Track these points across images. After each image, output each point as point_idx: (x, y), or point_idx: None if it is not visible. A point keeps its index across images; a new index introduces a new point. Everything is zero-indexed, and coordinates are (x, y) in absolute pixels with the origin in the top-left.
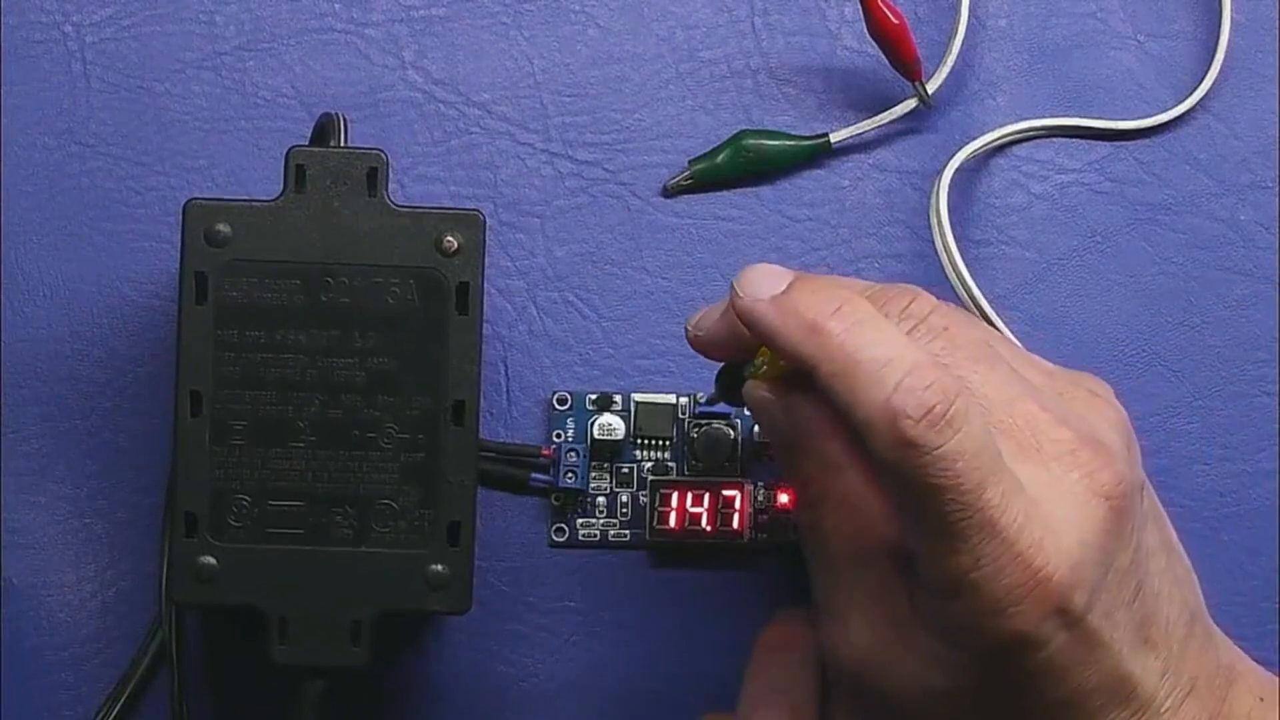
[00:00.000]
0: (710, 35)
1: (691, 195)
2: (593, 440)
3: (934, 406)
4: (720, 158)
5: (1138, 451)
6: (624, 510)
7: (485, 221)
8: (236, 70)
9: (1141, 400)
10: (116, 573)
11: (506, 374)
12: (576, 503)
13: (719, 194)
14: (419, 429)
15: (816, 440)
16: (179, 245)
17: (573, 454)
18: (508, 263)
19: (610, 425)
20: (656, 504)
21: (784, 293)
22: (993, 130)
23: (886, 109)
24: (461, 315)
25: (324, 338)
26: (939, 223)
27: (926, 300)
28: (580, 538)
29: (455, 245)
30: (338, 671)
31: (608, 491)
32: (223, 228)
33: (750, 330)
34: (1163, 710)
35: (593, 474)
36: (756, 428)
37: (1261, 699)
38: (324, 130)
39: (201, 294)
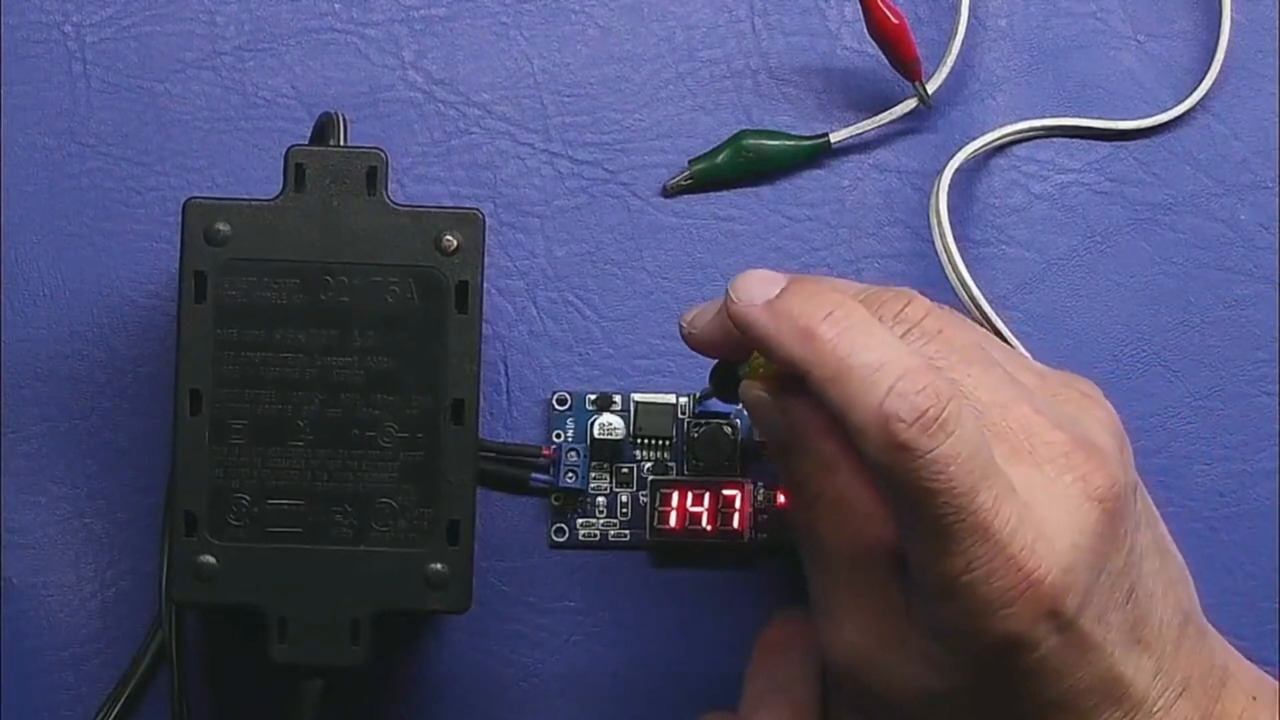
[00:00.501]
0: (710, 35)
1: (691, 195)
2: (593, 440)
3: (926, 410)
4: (720, 158)
5: (1130, 453)
6: (624, 510)
7: (485, 220)
8: (236, 70)
9: (1141, 400)
10: (116, 573)
11: (506, 374)
12: (576, 503)
13: (719, 194)
14: (418, 428)
15: (811, 441)
16: (179, 245)
17: (573, 454)
18: (508, 262)
19: (610, 425)
20: (657, 504)
21: (777, 298)
22: (993, 130)
23: (886, 109)
24: (461, 314)
25: (323, 337)
26: (939, 223)
27: (921, 304)
28: (580, 538)
29: (455, 244)
30: (337, 671)
31: (608, 491)
32: (222, 227)
33: (744, 335)
34: (1155, 710)
35: (593, 474)
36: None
37: (1255, 698)
38: (324, 129)
39: (201, 293)
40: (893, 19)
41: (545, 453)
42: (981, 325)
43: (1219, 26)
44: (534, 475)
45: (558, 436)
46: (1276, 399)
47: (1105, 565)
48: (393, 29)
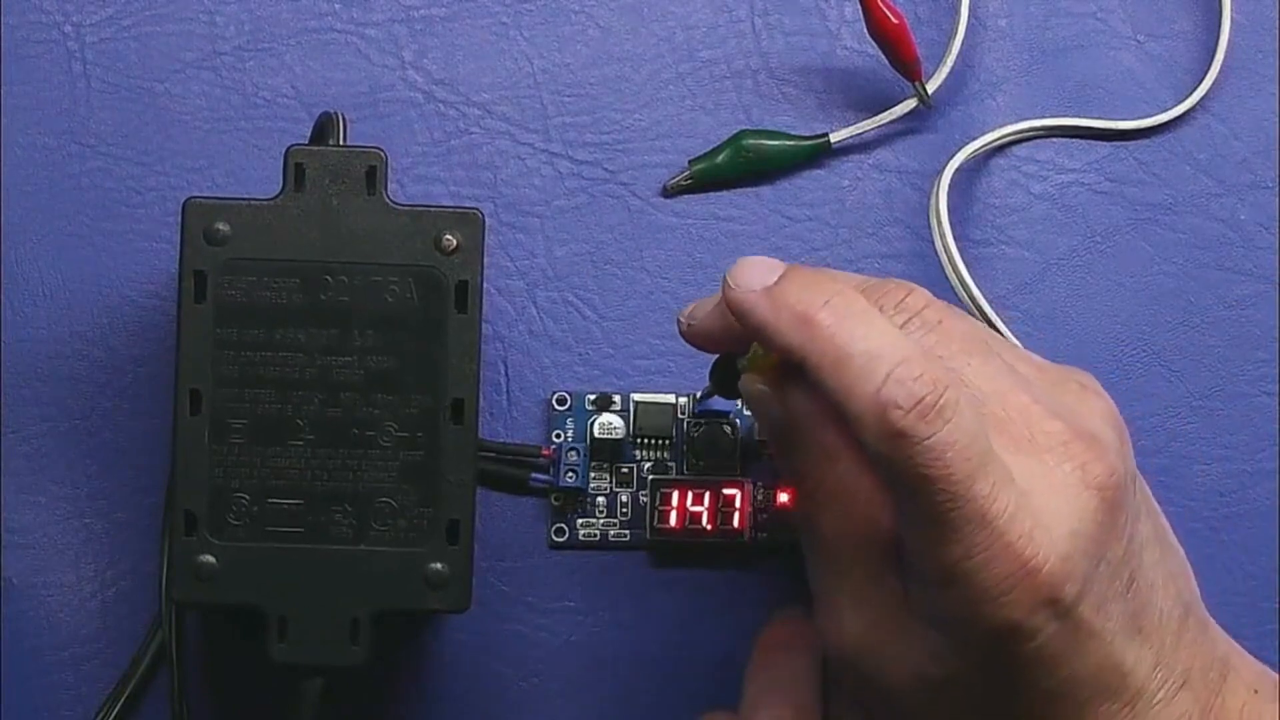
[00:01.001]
0: (710, 35)
1: (691, 195)
2: (593, 440)
3: (924, 398)
4: (720, 158)
5: (1129, 444)
6: (624, 510)
7: (484, 220)
8: (236, 70)
9: (1141, 400)
10: (116, 573)
11: (506, 374)
12: (576, 503)
13: (719, 194)
14: (418, 427)
15: (811, 432)
16: (179, 245)
17: (573, 454)
18: (508, 262)
19: (610, 424)
20: (657, 503)
21: (775, 285)
22: (993, 130)
23: (886, 109)
24: (461, 314)
25: (323, 336)
26: (939, 223)
27: (921, 295)
28: (580, 538)
29: (454, 244)
30: (337, 670)
31: (608, 491)
32: (222, 226)
33: (741, 322)
34: (1155, 702)
35: (593, 474)
36: (757, 427)
37: (1256, 691)
38: (323, 129)
39: (201, 293)
40: (893, 19)
41: (545, 453)
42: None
43: (1219, 26)
44: (534, 475)
45: (558, 436)
46: (1276, 399)
47: (1104, 554)
48: (393, 29)
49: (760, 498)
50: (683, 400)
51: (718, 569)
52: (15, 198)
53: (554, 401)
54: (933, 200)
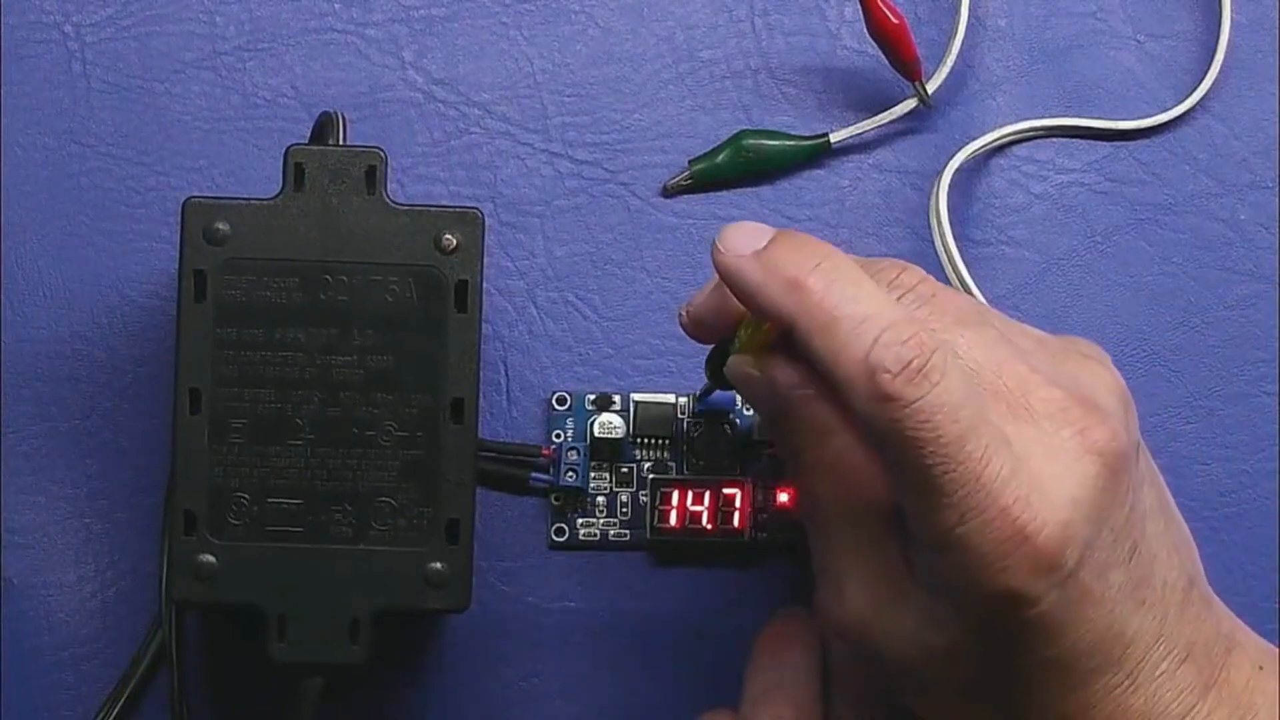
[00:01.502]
0: (710, 35)
1: (691, 195)
2: (593, 439)
3: (911, 361)
4: (720, 158)
5: (1134, 413)
6: (624, 510)
7: (484, 219)
8: (236, 70)
9: (1141, 400)
10: (116, 573)
11: (506, 374)
12: (576, 502)
13: (719, 194)
14: (418, 427)
15: (803, 407)
16: (179, 245)
17: (573, 453)
18: (508, 263)
19: (611, 423)
20: (657, 503)
21: (765, 249)
22: (993, 130)
23: (886, 109)
24: (460, 313)
25: (323, 335)
26: (939, 223)
27: (915, 272)
28: (580, 538)
29: (454, 243)
30: (337, 670)
31: (608, 491)
32: (222, 226)
33: (731, 288)
34: (1157, 674)
35: (593, 474)
36: (757, 426)
37: (1261, 668)
38: (323, 129)
39: (200, 292)
40: (893, 19)
41: (545, 452)
42: None
43: (1219, 26)
44: (534, 475)
45: (557, 436)
46: (1276, 399)
47: (1106, 520)
48: (393, 29)
49: (760, 498)
50: (683, 400)
51: (718, 569)
52: (15, 198)
53: (554, 401)
54: (933, 200)
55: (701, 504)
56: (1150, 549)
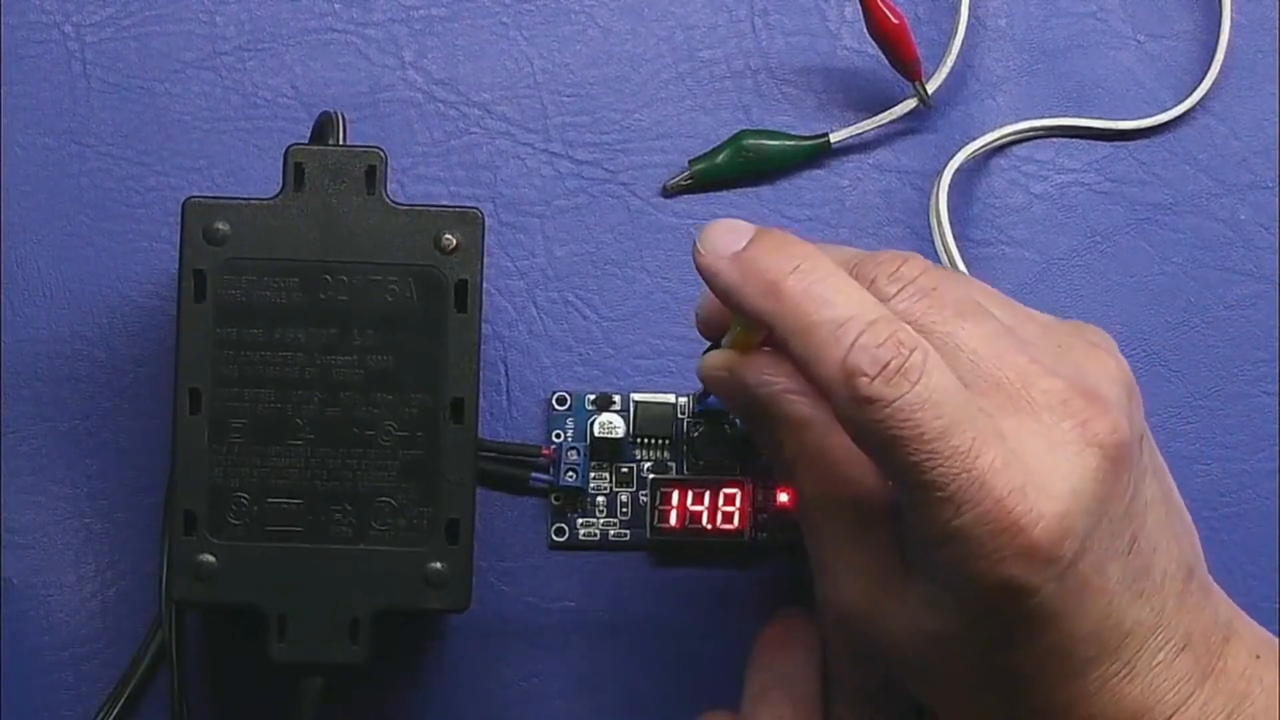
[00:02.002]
0: (710, 35)
1: (691, 195)
2: (593, 439)
3: (889, 362)
4: (720, 158)
5: (1140, 403)
6: (624, 510)
7: (484, 219)
8: (236, 70)
9: (1142, 400)
10: (116, 573)
11: (506, 374)
12: (576, 502)
13: (719, 194)
14: (418, 427)
15: (778, 403)
16: (179, 244)
17: (573, 453)
18: (508, 263)
19: (611, 423)
20: (657, 502)
21: (743, 250)
22: (993, 130)
23: (886, 109)
24: (460, 313)
25: (323, 335)
26: (939, 223)
27: (915, 264)
28: (580, 538)
29: (454, 243)
30: (337, 670)
31: (608, 491)
32: (222, 226)
33: (710, 289)
34: (1155, 663)
35: (593, 474)
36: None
37: (1259, 656)
38: (323, 129)
39: (200, 292)
40: (893, 19)
41: (545, 452)
42: None
43: (1219, 26)
44: (534, 475)
45: (557, 436)
46: (1276, 399)
47: (1106, 512)
48: (393, 29)
49: (760, 498)
50: (683, 400)
51: (718, 569)
52: (15, 198)
53: (554, 401)
54: (933, 200)
55: (701, 504)
56: (1150, 540)
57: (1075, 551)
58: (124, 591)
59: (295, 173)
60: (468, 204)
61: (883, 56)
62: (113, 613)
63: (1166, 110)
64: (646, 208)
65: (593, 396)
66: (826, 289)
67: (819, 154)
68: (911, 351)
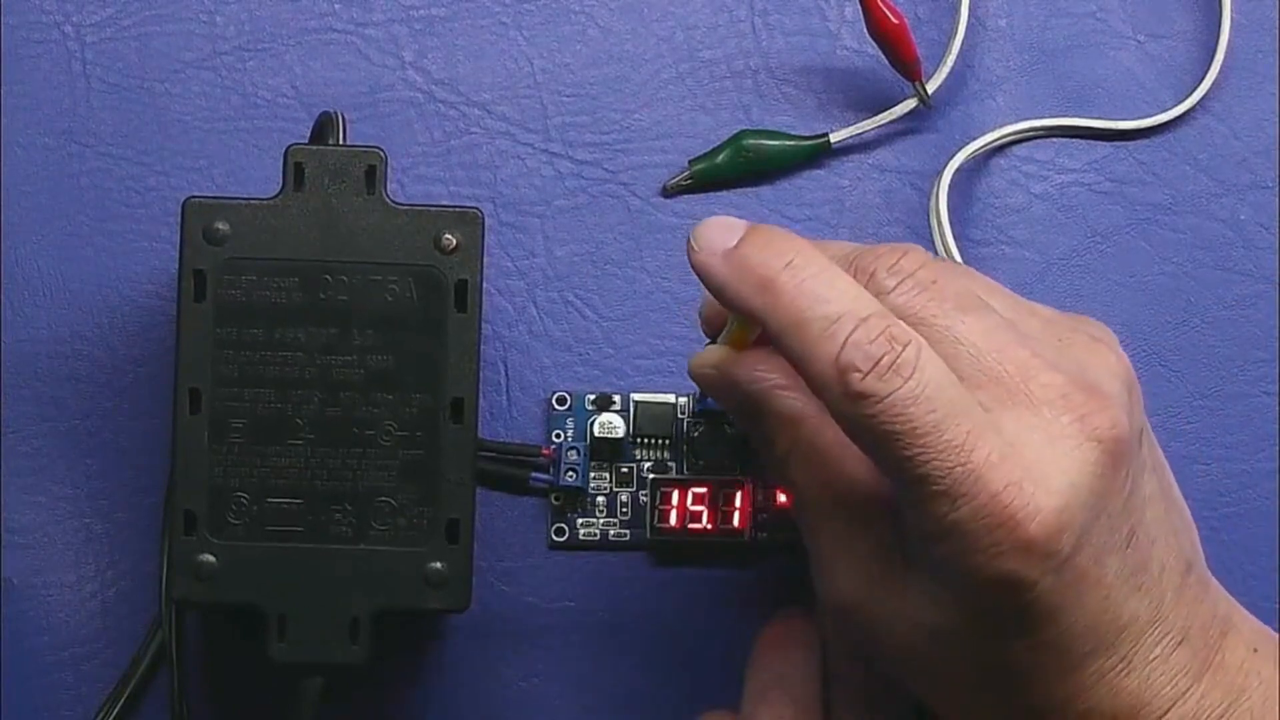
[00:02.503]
0: (710, 35)
1: (691, 195)
2: (593, 439)
3: (881, 358)
4: (720, 158)
5: (1140, 398)
6: (624, 510)
7: (484, 219)
8: (236, 70)
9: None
10: (116, 573)
11: (506, 374)
12: (576, 502)
13: (719, 194)
14: (418, 426)
15: (770, 399)
16: (179, 244)
17: (573, 453)
18: (508, 263)
19: (611, 423)
20: (657, 502)
21: (736, 247)
22: (993, 130)
23: (886, 109)
24: (460, 313)
25: (323, 335)
26: (939, 223)
27: (915, 257)
28: (580, 538)
29: (454, 243)
30: (337, 669)
31: (608, 491)
32: (221, 226)
33: (704, 285)
34: (1152, 657)
35: (593, 474)
36: None
37: (1256, 650)
38: (323, 129)
39: (200, 292)
40: (893, 19)
41: (545, 452)
42: None
43: (1219, 26)
44: (534, 475)
45: (557, 436)
46: (1276, 399)
47: (1105, 506)
48: (393, 29)
49: (760, 498)
50: (683, 400)
51: (717, 568)
52: (15, 198)
53: (554, 401)
54: (933, 200)
55: (701, 504)
56: (1149, 534)
57: (1073, 545)
58: (124, 591)
59: (295, 173)
60: (468, 204)
61: (883, 56)
62: (113, 613)
63: (1166, 110)
64: (646, 208)
65: (593, 396)
66: (819, 285)
67: (819, 154)
68: (904, 346)
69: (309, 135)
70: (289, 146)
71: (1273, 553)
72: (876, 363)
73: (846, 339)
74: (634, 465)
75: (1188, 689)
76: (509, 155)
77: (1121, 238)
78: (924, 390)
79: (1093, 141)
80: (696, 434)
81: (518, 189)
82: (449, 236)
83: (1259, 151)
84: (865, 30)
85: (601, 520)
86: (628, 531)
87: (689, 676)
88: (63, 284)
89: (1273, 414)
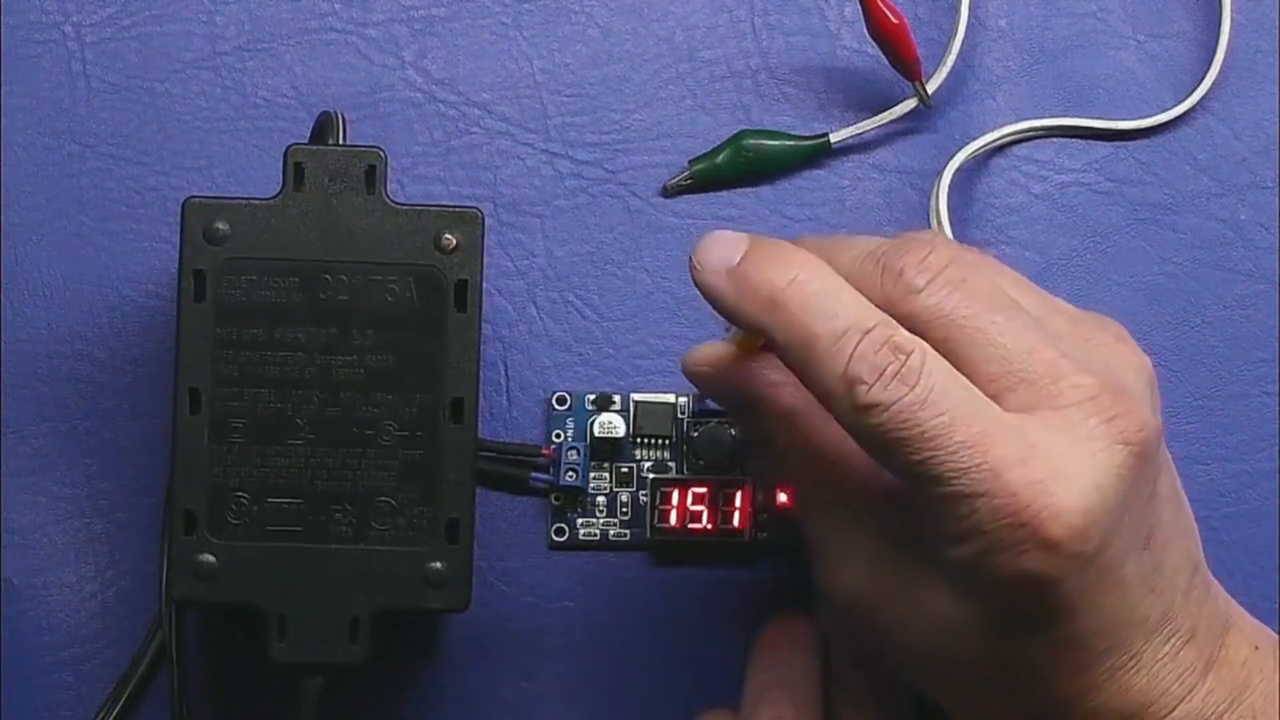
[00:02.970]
0: (710, 35)
1: (691, 195)
2: (593, 438)
3: (886, 367)
4: (720, 158)
5: (1159, 399)
6: (624, 510)
7: (484, 219)
8: (236, 70)
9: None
10: (116, 573)
11: (506, 374)
12: (576, 502)
13: (719, 194)
14: (418, 426)
15: (765, 395)
16: (179, 244)
17: (573, 453)
18: (508, 263)
19: (611, 423)
20: (657, 502)
21: (739, 264)
22: (993, 130)
23: (886, 109)
24: (460, 313)
25: (323, 335)
26: (939, 223)
27: (943, 252)
28: (580, 538)
29: (454, 243)
30: (337, 669)
31: (608, 491)
32: (221, 226)
33: (710, 305)
34: (1160, 656)
35: (593, 474)
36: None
37: (1257, 647)
38: (323, 129)
39: (200, 292)
40: (893, 19)
41: (545, 452)
42: None
43: (1219, 26)
44: (534, 475)
45: (557, 436)
46: (1276, 399)
47: (1128, 508)
48: (393, 29)
49: (760, 498)
50: (683, 400)
51: (717, 569)
52: (15, 198)
53: (554, 401)
54: (933, 200)
55: (701, 504)
56: (1164, 535)
57: (1097, 546)
58: (124, 591)
59: (295, 173)
60: (468, 204)
61: (883, 56)
62: (113, 613)
63: (1166, 110)
64: (646, 208)
65: (593, 396)
66: (824, 300)
67: (819, 154)
68: (909, 355)
69: (309, 135)
70: (289, 146)
71: (1273, 553)
72: (882, 373)
73: (853, 352)
74: (634, 465)
75: (1194, 686)
76: (509, 155)
77: (1121, 238)
78: (930, 395)
79: (1093, 141)
80: (696, 434)
81: (518, 189)
82: (449, 236)
83: (1259, 151)
84: (865, 30)
85: (601, 520)
86: (628, 531)
87: (689, 676)
88: (63, 284)
89: (1273, 414)
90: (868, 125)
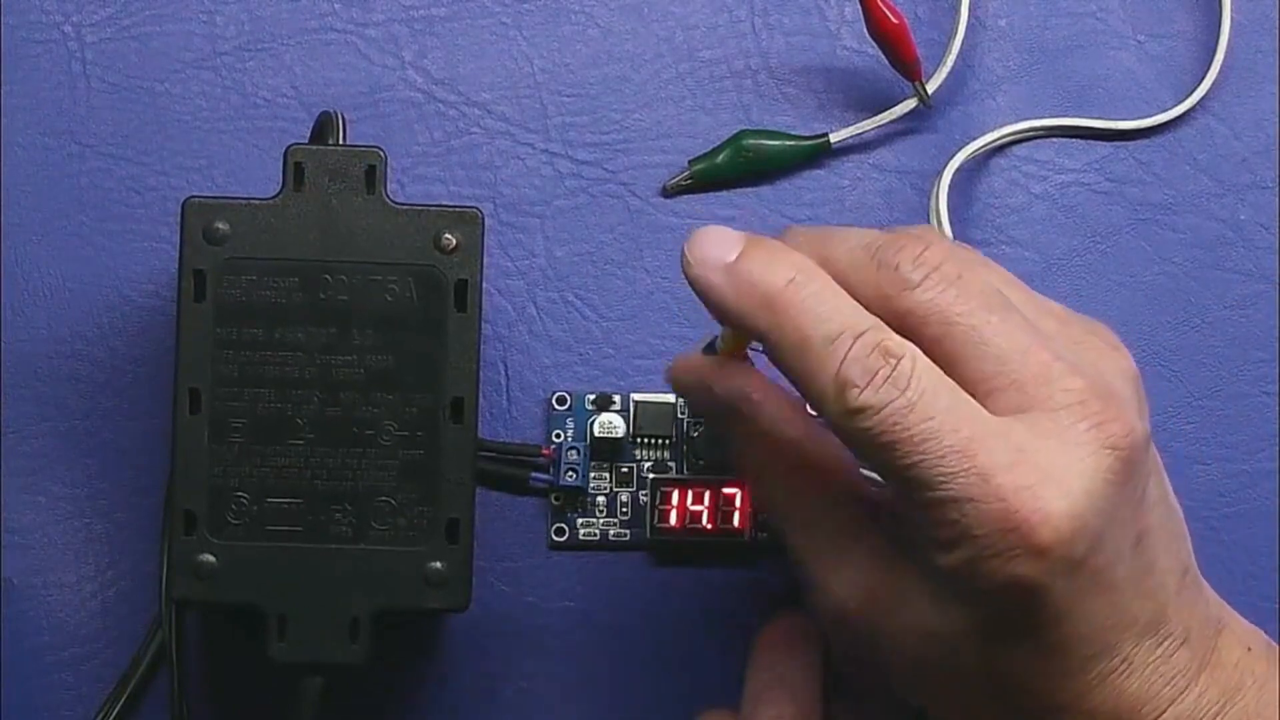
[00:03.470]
0: (710, 35)
1: (691, 195)
2: (593, 438)
3: (877, 372)
4: (720, 158)
5: (1146, 403)
6: (624, 510)
7: (484, 219)
8: (236, 70)
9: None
10: (116, 573)
11: (506, 374)
12: (576, 502)
13: (719, 194)
14: (418, 426)
15: (759, 405)
16: (179, 244)
17: (573, 453)
18: (508, 263)
19: (611, 423)
20: (657, 502)
21: (735, 261)
22: (993, 130)
23: (886, 109)
24: (460, 313)
25: (323, 335)
26: (939, 223)
27: (938, 249)
28: (580, 538)
29: (454, 243)
30: (337, 669)
31: (608, 491)
32: (221, 226)
33: (702, 301)
34: (1152, 659)
35: (593, 474)
36: None
37: (1249, 649)
38: (323, 129)
39: (200, 292)
40: (893, 19)
41: (545, 452)
42: None
43: (1219, 26)
44: (534, 475)
45: (557, 436)
46: (1276, 399)
47: (1117, 513)
48: (393, 29)
49: None
50: (682, 400)
51: (718, 569)
52: (15, 198)
53: (554, 401)
54: (933, 200)
55: (701, 504)
56: (1154, 538)
57: (1086, 551)
58: (124, 591)
59: (295, 173)
60: (468, 204)
61: (883, 56)
62: (113, 613)
63: (1166, 110)
64: (646, 208)
65: (593, 396)
66: (820, 302)
67: (819, 154)
68: (899, 360)
69: (309, 135)
70: (289, 146)
71: (1273, 553)
72: (873, 376)
73: (846, 356)
74: (634, 465)
75: (1186, 688)
76: (509, 155)
77: (1121, 238)
78: (919, 399)
79: (1093, 141)
80: (696, 434)
81: (518, 189)
82: (449, 236)
83: (1259, 151)
84: (865, 30)
85: (601, 520)
86: (628, 531)
87: (689, 676)
88: (63, 284)
89: (1273, 414)
90: (868, 125)
